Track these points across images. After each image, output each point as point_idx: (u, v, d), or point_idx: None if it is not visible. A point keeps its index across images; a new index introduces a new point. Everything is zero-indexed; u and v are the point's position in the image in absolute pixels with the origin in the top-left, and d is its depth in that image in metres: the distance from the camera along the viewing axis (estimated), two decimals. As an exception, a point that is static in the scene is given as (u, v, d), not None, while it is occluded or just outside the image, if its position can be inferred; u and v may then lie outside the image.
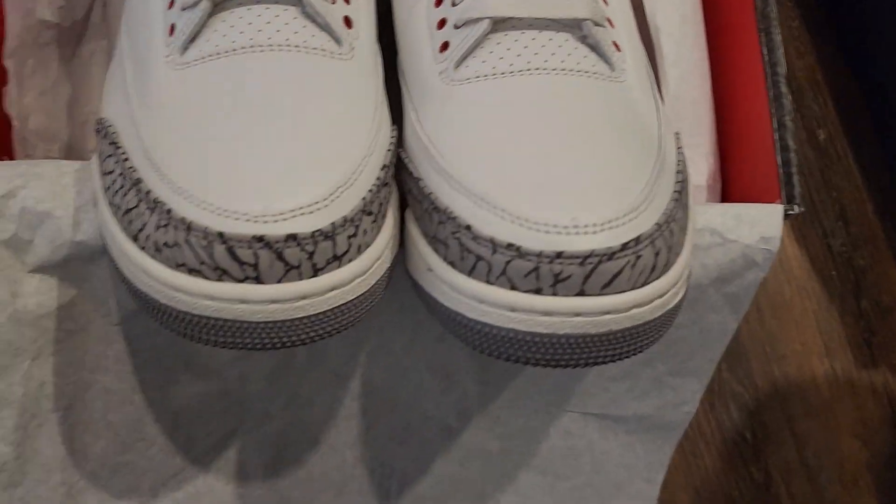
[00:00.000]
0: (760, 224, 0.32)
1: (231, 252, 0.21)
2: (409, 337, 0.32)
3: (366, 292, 0.23)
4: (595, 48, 0.26)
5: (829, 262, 0.47)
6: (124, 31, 0.28)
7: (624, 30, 0.28)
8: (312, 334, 0.22)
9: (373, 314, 0.25)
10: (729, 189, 0.37)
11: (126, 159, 0.24)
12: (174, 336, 0.24)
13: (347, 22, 0.26)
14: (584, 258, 0.21)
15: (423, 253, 0.24)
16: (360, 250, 0.23)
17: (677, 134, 0.28)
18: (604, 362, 0.23)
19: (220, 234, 0.21)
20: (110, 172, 0.24)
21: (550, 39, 0.26)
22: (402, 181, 0.26)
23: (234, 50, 0.25)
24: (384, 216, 0.24)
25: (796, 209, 0.33)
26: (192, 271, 0.21)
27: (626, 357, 0.23)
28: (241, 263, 0.21)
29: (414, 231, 0.25)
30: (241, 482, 0.34)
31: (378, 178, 0.23)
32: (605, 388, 0.34)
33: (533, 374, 0.34)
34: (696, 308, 0.33)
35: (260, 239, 0.21)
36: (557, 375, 0.34)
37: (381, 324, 0.31)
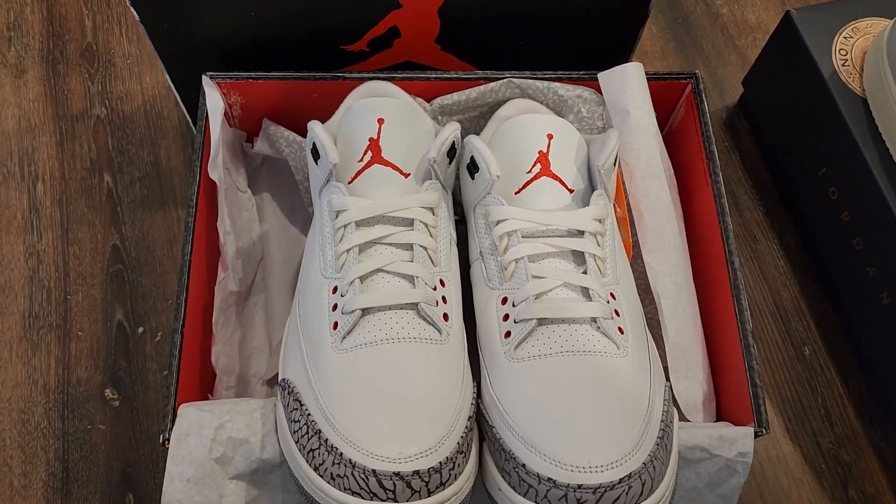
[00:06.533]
0: (737, 443, 0.43)
1: (380, 483, 0.34)
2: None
3: None
4: (606, 334, 0.39)
5: (818, 457, 0.55)
6: (300, 318, 0.42)
7: (628, 314, 0.41)
8: None
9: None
10: (720, 409, 0.49)
11: (309, 414, 0.37)
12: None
13: (445, 317, 0.41)
14: (596, 489, 0.33)
15: (495, 477, 0.37)
16: (456, 477, 0.35)
17: (668, 386, 0.40)
18: (610, 557, 0.34)
19: (374, 471, 0.34)
20: (297, 421, 0.38)
21: (576, 330, 0.39)
22: (480, 424, 0.39)
23: (375, 343, 0.39)
24: (471, 451, 0.37)
25: (764, 431, 0.44)
26: (354, 493, 0.34)
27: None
28: (385, 490, 0.34)
29: (489, 461, 0.38)
30: None
31: (466, 427, 0.37)
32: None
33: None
34: (695, 505, 0.44)
35: (397, 474, 0.34)
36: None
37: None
